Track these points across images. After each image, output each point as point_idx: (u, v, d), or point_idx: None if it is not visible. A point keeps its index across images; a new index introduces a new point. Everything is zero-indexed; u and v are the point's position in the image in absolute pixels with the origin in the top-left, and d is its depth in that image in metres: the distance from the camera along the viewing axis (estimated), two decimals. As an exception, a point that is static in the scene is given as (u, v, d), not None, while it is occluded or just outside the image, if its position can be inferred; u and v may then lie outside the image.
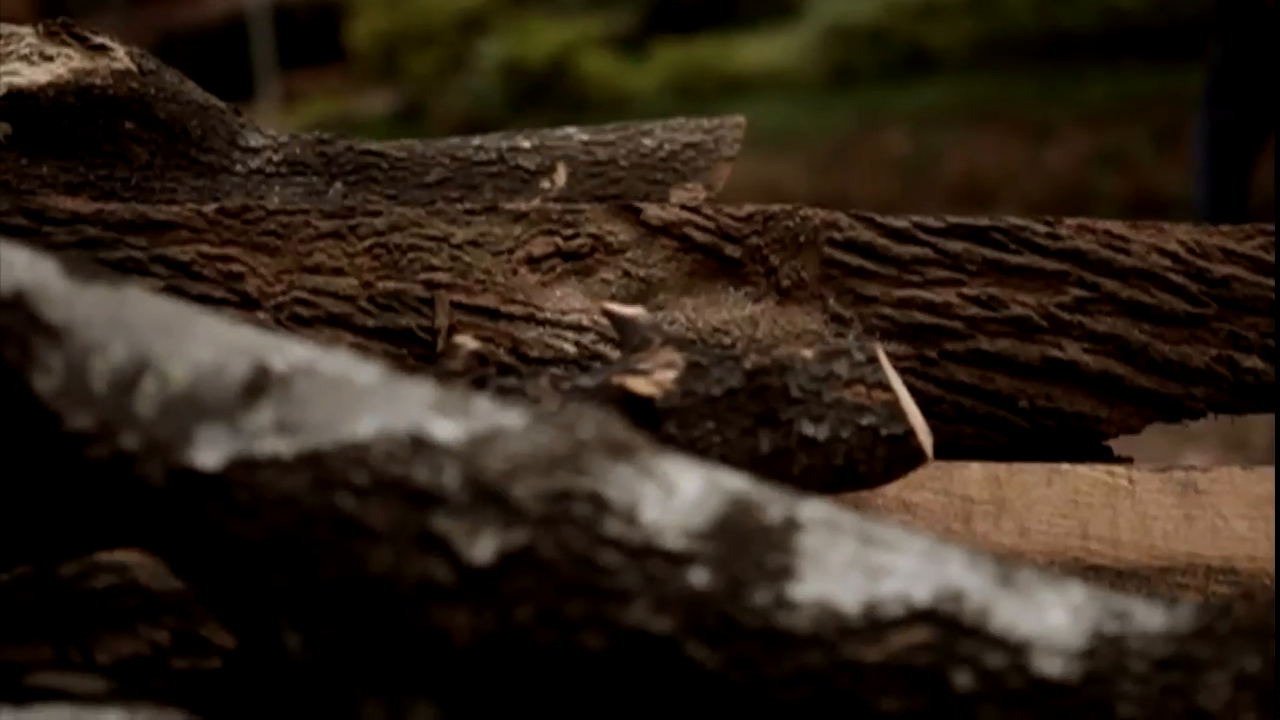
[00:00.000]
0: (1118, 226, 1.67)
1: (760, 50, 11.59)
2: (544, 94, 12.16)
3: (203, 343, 1.05)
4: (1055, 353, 1.64)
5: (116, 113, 1.72)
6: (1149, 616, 0.99)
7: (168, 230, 1.53)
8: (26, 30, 1.71)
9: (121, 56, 1.73)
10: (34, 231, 1.49)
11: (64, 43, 1.71)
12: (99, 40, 1.72)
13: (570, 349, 1.57)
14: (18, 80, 1.68)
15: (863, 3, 11.01)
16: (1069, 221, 1.67)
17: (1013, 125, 8.99)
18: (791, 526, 1.01)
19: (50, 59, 1.69)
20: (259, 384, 1.03)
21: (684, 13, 13.60)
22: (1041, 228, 1.66)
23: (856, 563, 1.00)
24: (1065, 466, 1.60)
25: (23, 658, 1.15)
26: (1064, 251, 1.65)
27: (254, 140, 1.83)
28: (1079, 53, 9.10)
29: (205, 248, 1.53)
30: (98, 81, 1.70)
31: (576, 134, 2.04)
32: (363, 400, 1.04)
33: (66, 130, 1.71)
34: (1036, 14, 9.41)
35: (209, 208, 1.56)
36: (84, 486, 1.04)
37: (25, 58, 1.68)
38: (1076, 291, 1.65)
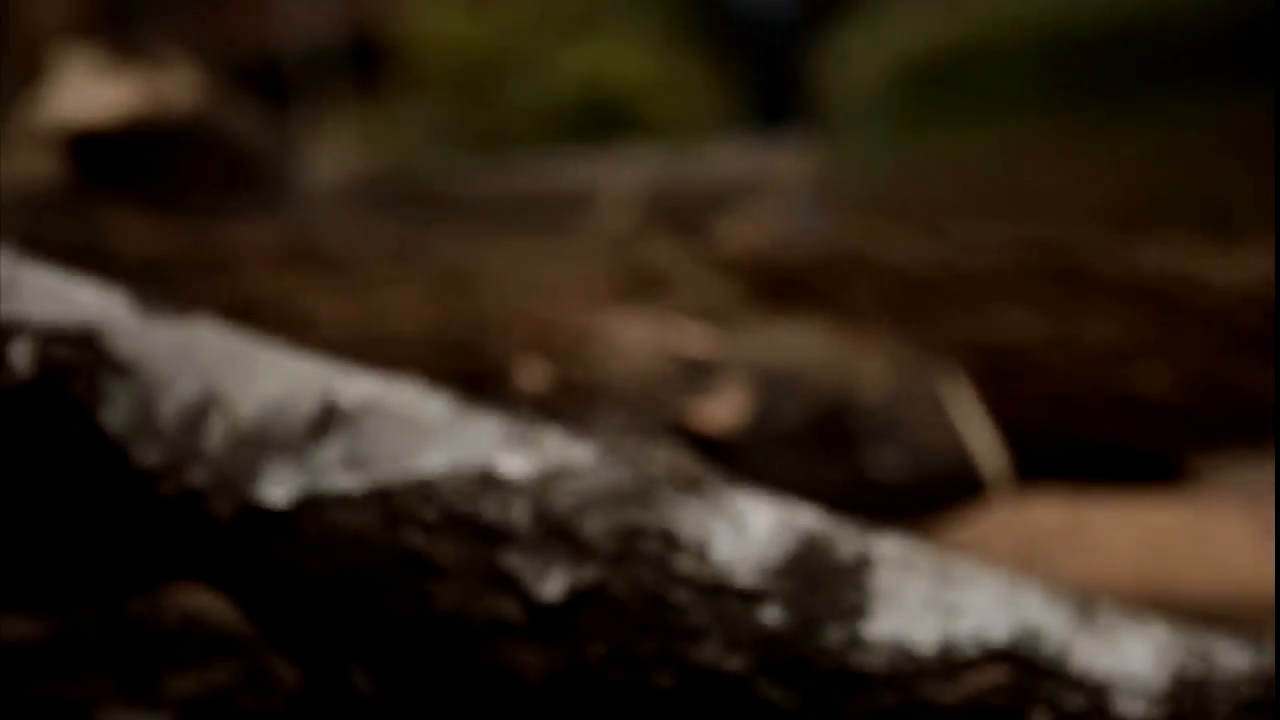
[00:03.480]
0: (1194, 255, 1.65)
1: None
2: (593, 120, 12.18)
3: (271, 377, 1.04)
4: (1131, 381, 1.62)
5: (181, 143, 1.72)
6: (1234, 657, 0.96)
7: (229, 263, 1.53)
8: (94, 57, 1.71)
9: (187, 87, 1.73)
10: (99, 262, 1.49)
11: (130, 70, 1.71)
12: (165, 70, 1.72)
13: (634, 379, 1.56)
14: (84, 108, 1.68)
15: (926, 29, 10.97)
16: (1145, 248, 1.65)
17: (1073, 140, 8.92)
18: (865, 563, 1.00)
19: (116, 86, 1.69)
20: (327, 419, 1.03)
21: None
22: (1117, 255, 1.64)
23: (931, 601, 0.98)
24: (1143, 497, 1.58)
25: (89, 694, 1.15)
26: (1140, 279, 1.63)
27: (316, 173, 1.83)
28: (1141, 71, 9.03)
29: (269, 280, 1.53)
30: (162, 110, 1.71)
31: (639, 161, 2.04)
32: (431, 435, 1.03)
33: (131, 160, 1.71)
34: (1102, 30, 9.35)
35: (269, 240, 1.56)
36: (151, 523, 1.03)
37: (92, 85, 1.69)
38: (1153, 319, 1.63)
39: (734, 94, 6.05)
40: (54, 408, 1.03)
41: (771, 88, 5.67)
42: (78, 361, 1.03)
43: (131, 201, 1.71)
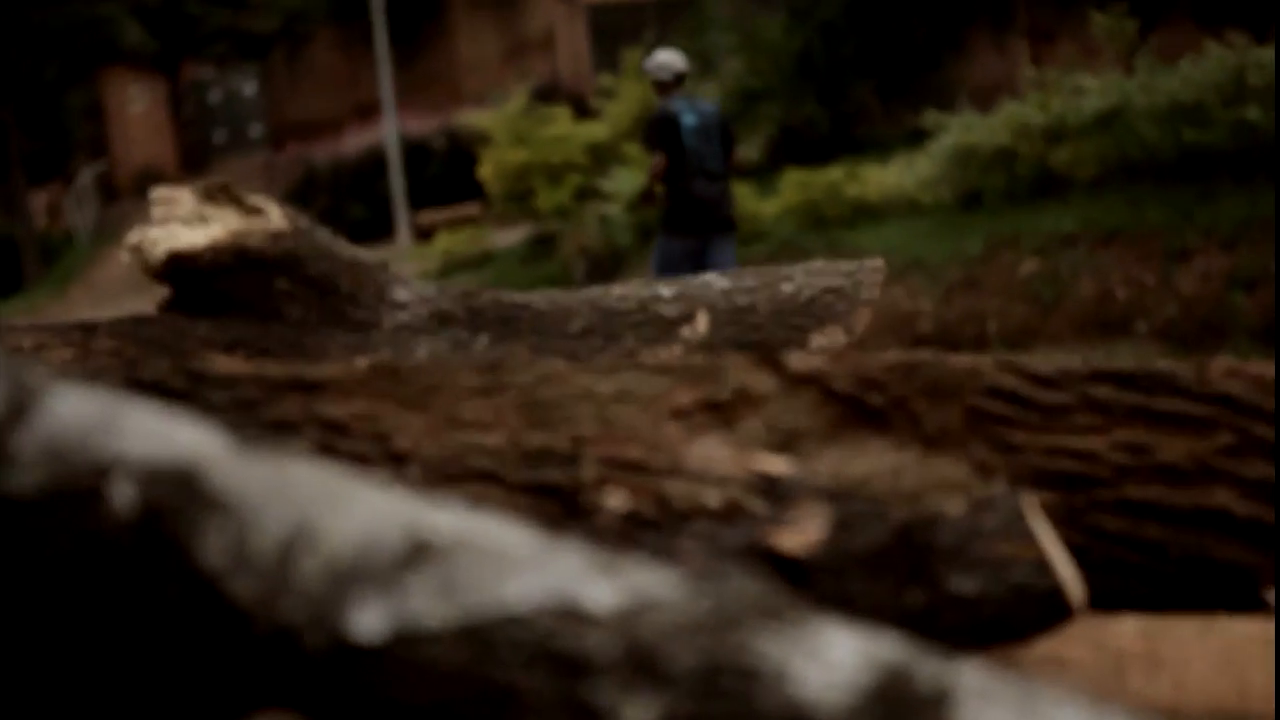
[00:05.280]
0: (1267, 370, 1.65)
1: (887, 176, 11.62)
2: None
3: (361, 513, 1.07)
4: (1206, 500, 1.61)
5: (271, 272, 1.76)
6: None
7: (321, 389, 1.56)
8: (186, 194, 1.76)
9: (276, 217, 1.77)
10: (193, 392, 1.53)
11: (221, 205, 1.76)
12: (254, 202, 1.77)
13: (715, 502, 1.57)
14: (178, 243, 1.73)
15: (989, 127, 11.00)
16: (1217, 366, 1.65)
17: (1143, 247, 8.91)
18: (947, 697, 1.00)
19: (208, 222, 1.74)
20: (416, 554, 1.05)
21: (811, 142, 13.71)
22: (1189, 372, 1.64)
23: (1015, 731, 0.99)
24: (1220, 618, 1.57)
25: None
26: (1212, 396, 1.63)
27: (402, 295, 1.86)
28: (1210, 173, 9.01)
29: (357, 406, 1.56)
30: (253, 242, 1.75)
31: (716, 281, 2.06)
32: (517, 569, 1.05)
33: (223, 290, 1.76)
34: (1165, 135, 9.35)
35: (360, 365, 1.59)
36: (245, 655, 1.06)
37: (185, 221, 1.74)
38: (1226, 437, 1.62)
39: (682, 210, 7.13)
40: (153, 544, 1.06)
41: (703, 210, 6.73)
42: (176, 499, 1.06)
43: (225, 329, 1.75)
